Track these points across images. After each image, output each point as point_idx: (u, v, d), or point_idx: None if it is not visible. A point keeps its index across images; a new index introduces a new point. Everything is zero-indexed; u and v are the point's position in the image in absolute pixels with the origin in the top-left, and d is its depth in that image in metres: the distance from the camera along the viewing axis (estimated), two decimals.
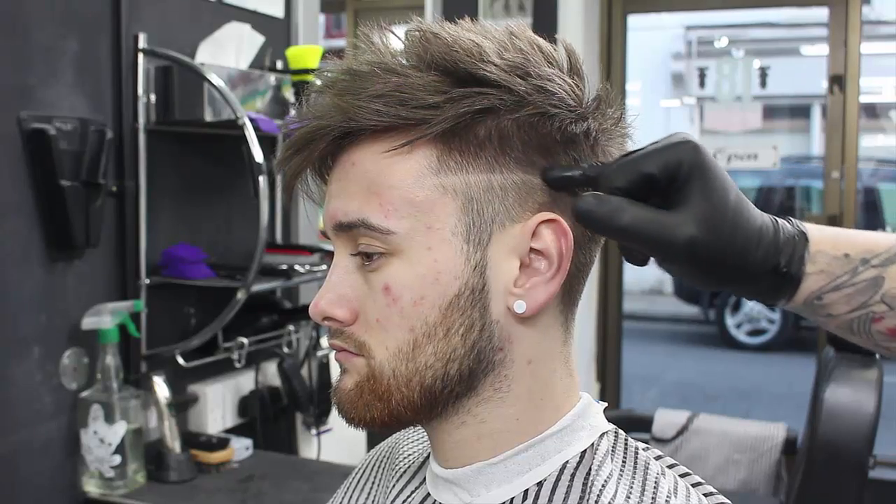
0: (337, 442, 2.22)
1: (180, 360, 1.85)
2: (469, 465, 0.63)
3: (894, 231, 0.64)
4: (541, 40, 0.62)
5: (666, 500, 0.59)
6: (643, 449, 0.64)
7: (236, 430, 2.00)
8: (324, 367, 2.19)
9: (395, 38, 0.62)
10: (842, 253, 0.58)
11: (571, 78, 0.61)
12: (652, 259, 0.60)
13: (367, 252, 0.60)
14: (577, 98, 0.61)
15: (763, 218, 0.58)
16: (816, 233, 0.58)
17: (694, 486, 0.63)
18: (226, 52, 1.93)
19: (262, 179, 1.74)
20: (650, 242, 0.56)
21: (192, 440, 1.87)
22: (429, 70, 0.59)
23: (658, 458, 0.64)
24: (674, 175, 0.56)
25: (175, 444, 1.79)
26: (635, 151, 0.58)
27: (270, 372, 2.11)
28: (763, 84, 3.67)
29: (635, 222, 0.56)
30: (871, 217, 6.18)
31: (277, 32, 2.15)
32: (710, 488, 0.63)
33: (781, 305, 0.60)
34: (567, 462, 0.62)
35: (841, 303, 0.58)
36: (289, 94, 2.02)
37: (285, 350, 2.09)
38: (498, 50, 0.59)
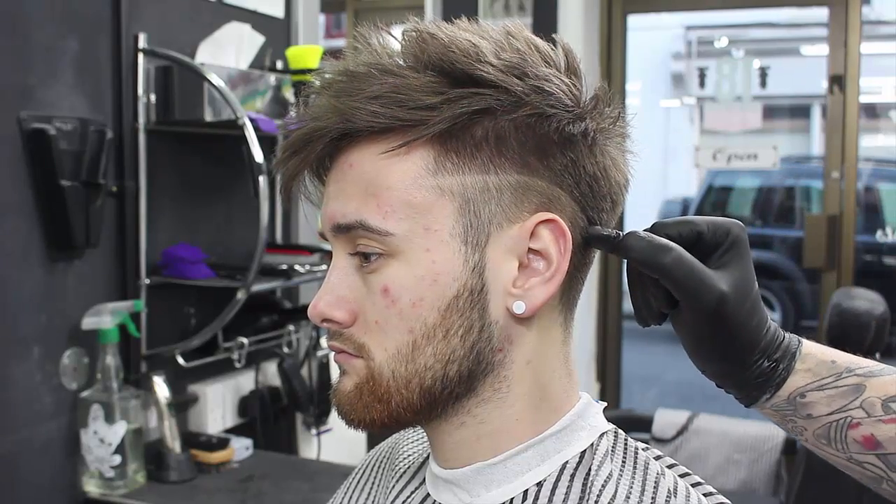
0: (337, 442, 2.22)
1: (180, 360, 1.85)
2: (469, 465, 0.63)
3: (895, 232, 0.69)
4: (538, 40, 0.62)
5: (666, 500, 0.59)
6: (643, 449, 0.64)
7: (236, 430, 2.00)
8: (324, 367, 2.19)
9: (393, 39, 0.62)
10: (829, 359, 0.63)
11: (569, 78, 0.61)
12: (665, 319, 0.65)
13: (366, 253, 0.60)
14: (574, 98, 0.60)
15: (764, 315, 0.63)
16: (809, 342, 0.64)
17: (694, 486, 0.63)
18: (226, 52, 1.93)
19: (262, 179, 1.74)
20: (687, 285, 0.60)
21: (192, 440, 1.87)
22: (426, 71, 0.59)
23: (658, 458, 0.65)
24: (720, 240, 0.62)
25: (175, 444, 1.79)
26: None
27: (270, 372, 2.11)
28: (763, 84, 3.67)
29: (679, 263, 0.59)
30: (871, 217, 6.17)
31: (277, 32, 2.15)
32: (710, 488, 0.63)
33: (762, 403, 0.64)
34: (567, 462, 0.62)
35: (822, 403, 0.62)
36: (289, 94, 2.02)
37: (285, 350, 2.09)
38: (495, 50, 0.59)
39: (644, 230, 0.63)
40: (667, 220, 0.63)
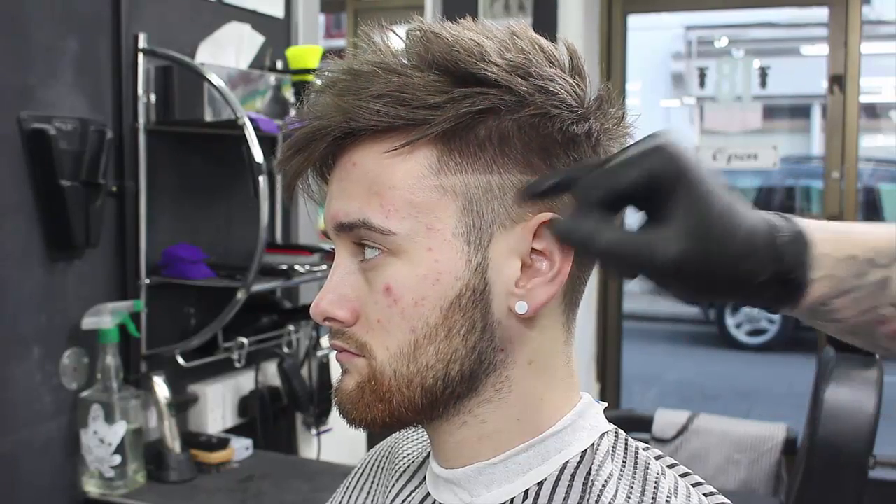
0: (337, 442, 2.22)
1: (180, 360, 1.85)
2: (469, 465, 0.63)
3: None
4: (542, 40, 0.62)
5: (666, 501, 0.59)
6: (643, 449, 0.64)
7: (236, 430, 2.00)
8: (324, 367, 2.19)
9: (396, 38, 0.62)
10: (847, 254, 0.54)
11: (573, 78, 0.61)
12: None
13: (368, 245, 0.60)
14: (578, 98, 0.60)
15: (758, 221, 0.54)
16: (818, 233, 0.54)
17: (694, 486, 0.63)
18: (226, 52, 1.93)
19: (262, 179, 1.74)
20: (632, 264, 0.54)
21: (192, 440, 1.87)
22: (430, 70, 0.59)
23: (658, 458, 0.64)
24: (652, 189, 0.53)
25: (175, 444, 1.79)
26: (612, 158, 0.55)
27: (270, 372, 2.11)
28: (763, 84, 3.67)
29: (613, 244, 0.53)
30: (871, 217, 6.18)
31: (277, 32, 2.15)
32: (711, 488, 0.62)
33: (785, 312, 0.57)
34: (567, 462, 0.62)
35: (848, 308, 0.55)
36: (289, 94, 2.02)
37: (285, 350, 2.09)
38: (499, 50, 0.59)
39: (565, 184, 0.56)
40: (588, 176, 0.55)
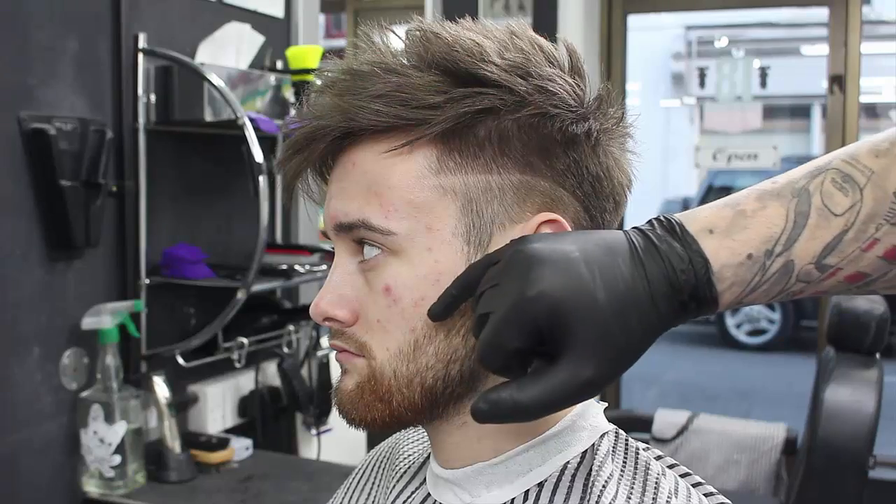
0: (337, 442, 2.22)
1: (180, 360, 1.85)
2: (470, 465, 0.63)
3: None
4: (542, 40, 0.62)
5: (667, 501, 0.59)
6: (644, 449, 0.64)
7: (236, 430, 2.00)
8: (324, 367, 2.19)
9: (396, 38, 0.62)
10: (744, 255, 0.54)
11: (573, 78, 0.61)
12: None
13: (368, 245, 0.60)
14: (578, 98, 0.60)
15: (654, 273, 0.53)
16: (711, 242, 0.54)
17: (694, 486, 0.62)
18: (226, 52, 1.93)
19: (262, 179, 1.74)
20: (561, 405, 0.53)
21: (192, 440, 1.87)
22: (429, 70, 0.58)
23: (658, 458, 0.64)
24: (537, 337, 0.53)
25: (175, 444, 1.79)
26: (485, 317, 0.54)
27: (270, 372, 2.11)
28: (763, 84, 3.67)
29: (534, 403, 0.53)
30: None
31: (277, 32, 2.15)
32: (711, 488, 0.62)
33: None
34: (568, 463, 0.61)
35: (760, 298, 0.56)
36: (289, 94, 2.02)
37: (285, 350, 2.09)
38: (499, 50, 0.59)
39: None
40: (479, 349, 0.55)
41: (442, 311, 0.58)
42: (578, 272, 0.53)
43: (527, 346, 0.53)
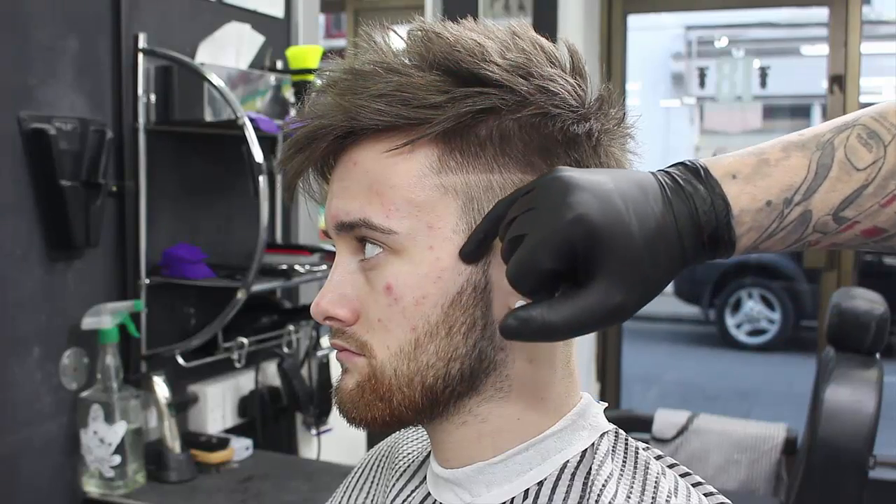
0: (337, 442, 2.22)
1: (180, 360, 1.85)
2: (470, 464, 0.63)
3: None
4: (543, 40, 0.62)
5: (666, 501, 0.59)
6: (643, 449, 0.64)
7: (236, 430, 2.00)
8: (324, 367, 2.19)
9: (397, 38, 0.62)
10: (763, 202, 0.56)
11: (574, 78, 0.61)
12: None
13: (369, 244, 0.60)
14: (579, 99, 0.60)
15: (679, 209, 0.55)
16: (733, 187, 0.56)
17: (694, 486, 0.63)
18: (226, 52, 1.93)
19: (262, 179, 1.74)
20: (590, 328, 0.54)
21: (192, 440, 1.87)
22: (431, 70, 0.59)
23: (658, 457, 0.64)
24: (571, 259, 0.53)
25: (175, 444, 1.79)
26: (520, 239, 0.54)
27: (270, 372, 2.11)
28: (763, 84, 3.67)
29: (565, 323, 0.54)
30: None
31: (277, 32, 2.15)
32: (711, 488, 0.62)
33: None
34: (567, 462, 0.62)
35: (776, 245, 0.57)
36: (289, 94, 2.02)
37: (285, 350, 2.09)
38: (500, 50, 0.59)
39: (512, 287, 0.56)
40: (511, 269, 0.55)
41: (474, 250, 0.58)
42: (614, 202, 0.53)
43: (560, 268, 0.54)
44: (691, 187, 0.56)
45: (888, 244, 0.57)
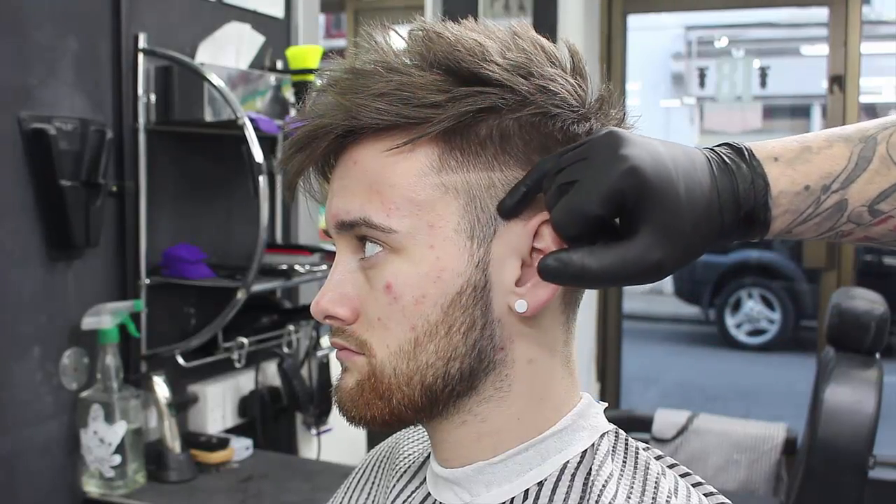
0: (337, 442, 2.22)
1: (180, 360, 1.85)
2: (470, 464, 0.63)
3: None
4: (544, 40, 0.62)
5: (666, 501, 0.59)
6: (643, 449, 0.64)
7: (236, 430, 2.00)
8: (324, 367, 2.19)
9: (398, 38, 0.62)
10: (802, 186, 0.57)
11: (574, 78, 0.61)
12: None
13: (370, 243, 0.60)
14: (579, 98, 0.61)
15: (723, 182, 0.56)
16: (774, 169, 0.57)
17: (694, 486, 0.63)
18: (226, 52, 1.93)
19: (262, 179, 1.74)
20: (624, 281, 0.56)
21: (192, 440, 1.87)
22: (431, 69, 0.59)
23: (658, 458, 0.64)
24: (619, 208, 0.55)
25: (175, 444, 1.79)
26: (570, 186, 0.56)
27: (270, 372, 2.11)
28: (763, 84, 3.67)
29: (602, 271, 0.55)
30: None
31: (277, 32, 2.15)
32: (711, 488, 0.62)
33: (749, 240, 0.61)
34: (568, 462, 0.62)
35: (810, 231, 0.59)
36: (289, 94, 2.02)
37: (285, 350, 2.09)
38: (501, 49, 0.59)
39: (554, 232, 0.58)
40: (558, 211, 0.56)
41: (514, 206, 0.59)
42: (665, 163, 0.55)
43: (608, 216, 0.55)
44: (735, 165, 0.57)
45: None
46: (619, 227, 0.56)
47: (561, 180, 0.56)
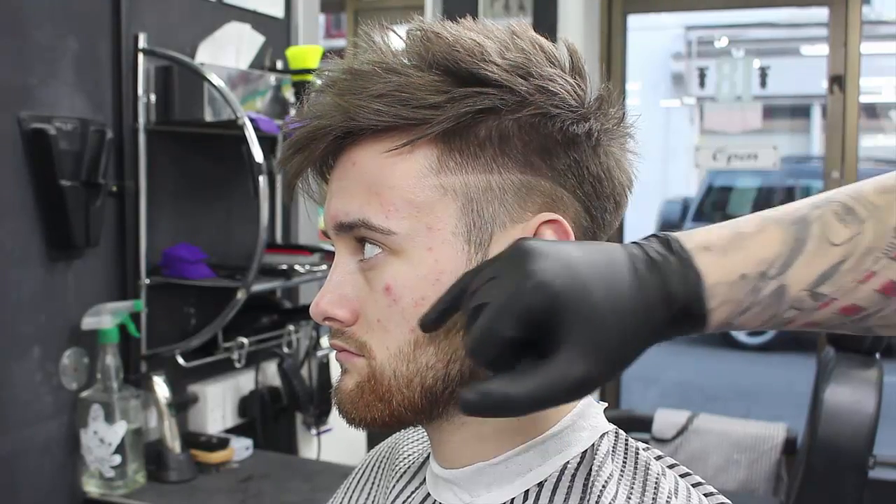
0: (337, 442, 2.22)
1: (180, 360, 1.85)
2: (469, 465, 0.63)
3: None
4: (543, 40, 0.62)
5: (667, 501, 0.59)
6: (644, 449, 0.64)
7: (236, 430, 2.00)
8: (324, 367, 2.19)
9: (397, 38, 0.62)
10: (738, 275, 0.53)
11: (573, 78, 0.61)
12: None
13: (369, 244, 0.60)
14: (578, 98, 0.60)
15: (648, 283, 0.53)
16: (705, 258, 0.54)
17: (694, 486, 0.62)
18: (226, 52, 1.93)
19: (262, 179, 1.74)
20: (552, 403, 0.52)
21: (192, 440, 1.87)
22: (430, 70, 0.59)
23: (658, 458, 0.64)
24: (534, 326, 0.52)
25: (175, 444, 1.79)
26: (482, 308, 0.53)
27: (270, 372, 2.11)
28: (763, 84, 3.67)
29: (527, 396, 0.51)
30: None
31: (277, 32, 2.15)
32: (711, 488, 0.62)
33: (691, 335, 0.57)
34: (568, 462, 0.61)
35: (752, 321, 0.55)
36: (289, 94, 2.02)
37: (285, 350, 2.09)
38: (500, 50, 0.59)
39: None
40: (469, 340, 0.53)
41: (435, 319, 0.57)
42: (578, 271, 0.52)
43: (521, 336, 0.52)
44: (662, 258, 0.54)
45: (866, 324, 0.55)
46: (540, 345, 0.52)
47: (473, 303, 0.54)
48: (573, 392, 0.52)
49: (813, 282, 0.54)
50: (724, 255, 0.54)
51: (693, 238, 0.55)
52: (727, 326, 0.55)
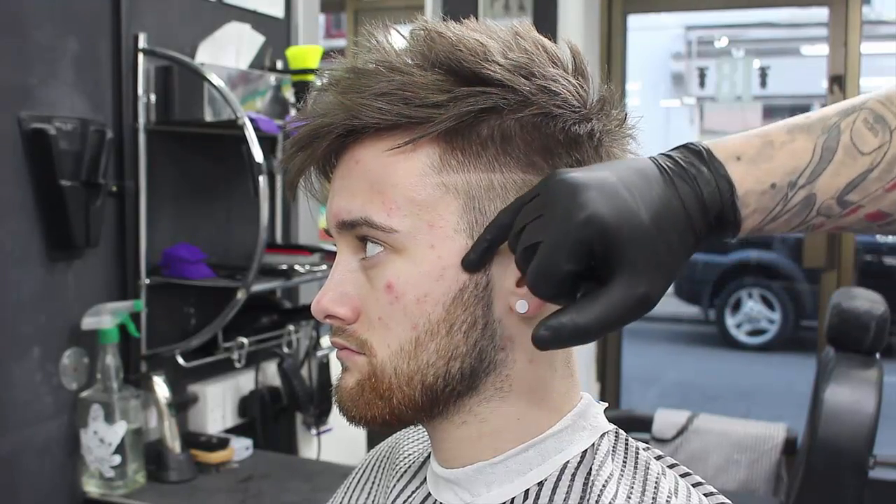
0: (337, 442, 2.22)
1: (180, 360, 1.85)
2: (470, 464, 0.63)
3: None
4: (546, 41, 0.62)
5: (667, 501, 0.59)
6: (644, 449, 0.64)
7: (236, 430, 2.00)
8: (324, 366, 2.19)
9: (399, 37, 0.62)
10: (768, 185, 0.56)
11: (576, 79, 0.61)
12: None
13: (370, 242, 0.60)
14: (581, 99, 0.60)
15: (686, 194, 0.55)
16: (737, 169, 0.56)
17: (694, 486, 0.63)
18: (226, 52, 1.93)
19: (262, 179, 1.74)
20: (619, 324, 0.55)
21: (192, 440, 1.87)
22: (433, 69, 0.59)
23: (658, 458, 0.64)
24: (589, 260, 0.54)
25: (175, 444, 1.79)
26: (534, 247, 0.55)
27: (270, 372, 2.11)
28: (763, 84, 3.68)
29: (595, 322, 0.54)
30: None
31: (277, 32, 2.15)
32: (711, 488, 0.62)
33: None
34: (568, 462, 0.62)
35: (781, 227, 0.58)
36: (289, 94, 2.02)
37: (285, 350, 2.09)
38: (502, 49, 0.59)
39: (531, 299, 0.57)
40: (531, 274, 0.55)
41: (478, 260, 0.59)
42: (620, 195, 0.54)
43: (579, 268, 0.54)
44: (695, 169, 0.56)
45: (892, 228, 0.57)
46: (598, 271, 0.54)
47: (524, 243, 0.55)
48: (637, 310, 0.54)
49: (841, 190, 0.56)
50: (754, 164, 0.56)
51: (724, 147, 0.57)
52: (758, 232, 0.58)
